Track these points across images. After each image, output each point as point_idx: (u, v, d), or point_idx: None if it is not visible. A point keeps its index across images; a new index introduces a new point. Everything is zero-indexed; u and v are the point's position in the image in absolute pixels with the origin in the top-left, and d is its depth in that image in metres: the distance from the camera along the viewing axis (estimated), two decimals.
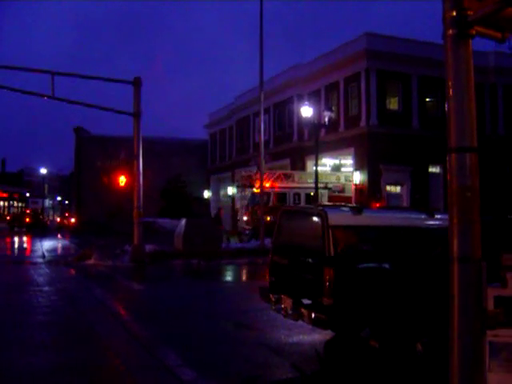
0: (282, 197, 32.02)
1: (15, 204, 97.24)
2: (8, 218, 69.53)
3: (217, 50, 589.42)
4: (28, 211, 73.22)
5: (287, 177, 33.77)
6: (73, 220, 66.06)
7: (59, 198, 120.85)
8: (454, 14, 4.20)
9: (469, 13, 4.17)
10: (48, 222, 77.38)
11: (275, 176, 32.94)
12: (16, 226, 59.78)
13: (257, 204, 30.05)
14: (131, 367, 7.77)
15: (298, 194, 32.37)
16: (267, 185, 31.36)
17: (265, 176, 30.64)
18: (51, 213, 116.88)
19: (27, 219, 62.59)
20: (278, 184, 32.51)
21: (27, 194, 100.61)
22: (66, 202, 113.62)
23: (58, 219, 77.94)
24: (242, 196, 37.78)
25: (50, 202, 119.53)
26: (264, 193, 28.94)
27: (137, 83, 23.76)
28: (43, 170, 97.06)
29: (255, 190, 32.11)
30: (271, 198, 31.69)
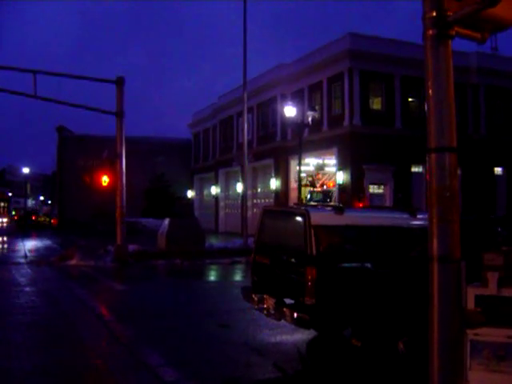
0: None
1: None
2: (16, 217, 75.74)
3: (204, 50, 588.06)
4: (32, 211, 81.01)
5: None
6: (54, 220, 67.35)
7: (42, 198, 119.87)
8: (434, 14, 4.21)
9: (448, 13, 4.17)
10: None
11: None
12: (23, 224, 63.76)
13: (317, 201, 31.43)
14: (113, 368, 7.72)
15: None
16: (330, 184, 34.37)
17: (328, 176, 34.61)
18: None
19: (33, 218, 69.57)
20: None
21: (9, 194, 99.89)
22: (49, 201, 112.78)
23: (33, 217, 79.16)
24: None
25: (33, 201, 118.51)
26: (327, 191, 32.86)
27: (119, 83, 23.64)
28: (26, 170, 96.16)
29: (316, 188, 35.20)
30: (334, 197, 32.85)
